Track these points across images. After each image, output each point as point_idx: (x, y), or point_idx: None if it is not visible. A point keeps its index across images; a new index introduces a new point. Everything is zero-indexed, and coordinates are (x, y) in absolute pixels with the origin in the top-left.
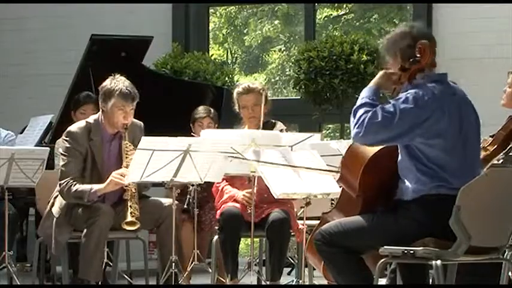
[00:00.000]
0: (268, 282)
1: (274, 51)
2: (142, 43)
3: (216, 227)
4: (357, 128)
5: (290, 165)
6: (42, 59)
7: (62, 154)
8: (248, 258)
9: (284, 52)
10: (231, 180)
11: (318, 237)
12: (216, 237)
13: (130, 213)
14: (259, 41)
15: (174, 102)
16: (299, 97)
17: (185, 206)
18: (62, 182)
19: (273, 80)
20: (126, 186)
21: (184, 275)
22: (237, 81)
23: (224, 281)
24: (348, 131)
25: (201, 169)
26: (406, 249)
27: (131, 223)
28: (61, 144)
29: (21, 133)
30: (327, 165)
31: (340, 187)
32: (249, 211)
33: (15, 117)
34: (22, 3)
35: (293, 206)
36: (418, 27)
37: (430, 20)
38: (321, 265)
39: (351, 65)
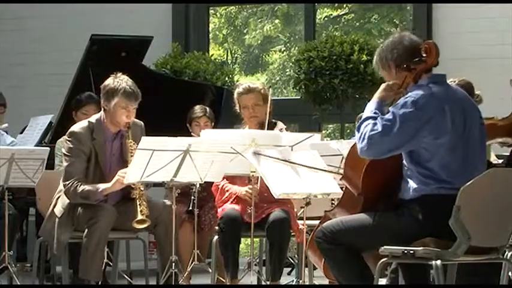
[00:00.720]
0: (268, 282)
1: (275, 51)
2: (142, 43)
3: (216, 227)
4: (360, 142)
5: (292, 162)
6: (42, 59)
7: (65, 154)
8: (248, 258)
9: (284, 52)
10: (231, 179)
11: (319, 235)
12: (216, 237)
13: (140, 211)
14: (259, 41)
15: (174, 102)
16: (299, 97)
17: (189, 209)
18: (67, 182)
19: (273, 80)
20: (133, 184)
21: (184, 275)
22: (237, 81)
23: (224, 281)
24: (348, 131)
25: (201, 169)
26: (406, 249)
27: (142, 221)
28: (64, 144)
29: (21, 133)
30: (327, 165)
31: (342, 185)
32: (249, 211)
33: (15, 117)
34: (22, 3)
35: (293, 205)
36: (406, 34)
37: (430, 20)
38: (322, 263)
39: (351, 65)
